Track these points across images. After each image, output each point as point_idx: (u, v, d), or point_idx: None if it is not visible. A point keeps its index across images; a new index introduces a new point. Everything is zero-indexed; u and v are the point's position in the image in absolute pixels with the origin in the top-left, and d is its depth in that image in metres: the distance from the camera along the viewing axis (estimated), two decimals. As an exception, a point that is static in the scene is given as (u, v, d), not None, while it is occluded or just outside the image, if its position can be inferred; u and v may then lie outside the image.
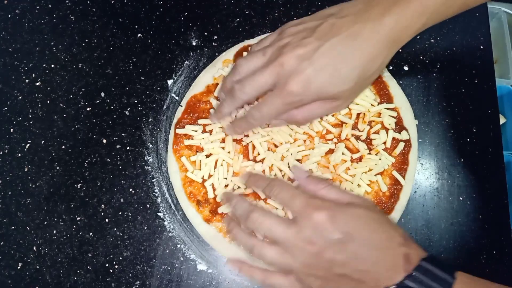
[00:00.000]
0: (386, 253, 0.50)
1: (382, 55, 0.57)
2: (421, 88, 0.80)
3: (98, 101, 0.78)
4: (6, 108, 0.77)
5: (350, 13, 0.57)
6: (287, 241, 0.52)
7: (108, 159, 0.74)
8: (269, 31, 0.82)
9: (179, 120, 0.75)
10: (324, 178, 0.70)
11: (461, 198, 0.74)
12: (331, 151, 0.72)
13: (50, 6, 0.84)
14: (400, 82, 0.79)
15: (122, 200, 0.72)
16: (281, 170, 0.71)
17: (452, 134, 0.77)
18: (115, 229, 0.70)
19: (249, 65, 0.60)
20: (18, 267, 0.69)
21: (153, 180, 0.74)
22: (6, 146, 0.75)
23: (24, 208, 0.71)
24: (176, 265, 0.69)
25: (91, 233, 0.70)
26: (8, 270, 0.68)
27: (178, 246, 0.70)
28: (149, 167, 0.74)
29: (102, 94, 0.78)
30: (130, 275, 0.68)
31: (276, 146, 0.73)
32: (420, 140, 0.76)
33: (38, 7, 0.83)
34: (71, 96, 0.78)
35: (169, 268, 0.69)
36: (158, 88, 0.79)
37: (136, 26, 0.82)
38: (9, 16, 0.83)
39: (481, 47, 0.82)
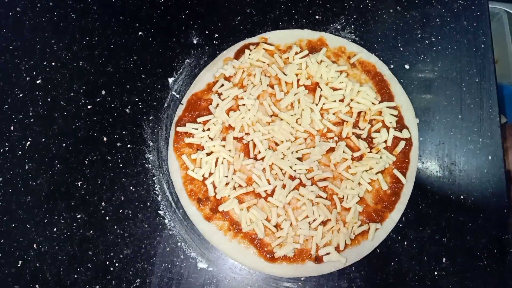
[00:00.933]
0: None
1: None
2: (422, 87, 0.80)
3: (98, 99, 0.77)
4: (6, 106, 0.77)
5: None
6: None
7: (108, 157, 0.74)
8: (270, 30, 0.82)
9: (180, 118, 0.75)
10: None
11: (462, 197, 0.73)
12: (332, 150, 0.72)
13: (51, 4, 0.83)
14: (401, 80, 0.79)
15: (122, 198, 0.72)
16: (281, 169, 0.71)
17: (453, 133, 0.77)
18: (115, 227, 0.70)
19: None
20: (19, 265, 0.68)
21: (154, 178, 0.73)
22: (6, 144, 0.74)
23: (24, 206, 0.71)
24: (177, 263, 0.69)
25: (91, 231, 0.70)
26: (8, 268, 0.68)
27: (179, 244, 0.70)
28: (150, 165, 0.74)
29: (103, 92, 0.78)
30: (131, 273, 0.68)
31: (277, 144, 0.73)
32: (421, 138, 0.76)
33: (39, 5, 0.83)
34: (71, 94, 0.78)
35: (169, 266, 0.69)
36: (159, 86, 0.79)
37: (137, 24, 0.82)
38: (10, 14, 0.82)
39: (482, 46, 0.82)
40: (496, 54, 0.84)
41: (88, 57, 0.80)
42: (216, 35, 0.82)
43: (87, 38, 0.81)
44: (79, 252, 0.69)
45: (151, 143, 0.75)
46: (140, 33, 0.82)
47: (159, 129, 0.76)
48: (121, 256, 0.69)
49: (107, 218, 0.71)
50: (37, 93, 0.77)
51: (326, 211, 0.69)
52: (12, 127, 0.75)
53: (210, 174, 0.71)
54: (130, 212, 0.71)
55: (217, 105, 0.74)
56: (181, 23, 0.83)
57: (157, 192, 0.73)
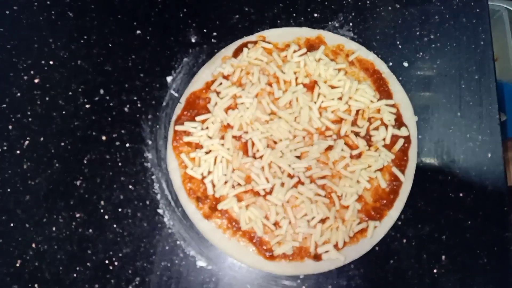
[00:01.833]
0: None
1: None
2: (421, 84, 0.79)
3: (97, 98, 0.77)
4: (4, 105, 0.77)
5: None
6: None
7: (107, 156, 0.74)
8: (268, 28, 0.82)
9: (179, 117, 0.75)
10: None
11: (461, 195, 0.73)
12: (330, 148, 0.72)
13: (48, 2, 0.83)
14: (400, 78, 0.79)
15: (121, 197, 0.72)
16: (280, 167, 0.71)
17: (452, 131, 0.77)
18: (114, 225, 0.70)
19: None
20: (17, 264, 0.68)
21: (153, 177, 0.73)
22: (5, 143, 0.74)
23: (23, 205, 0.71)
24: (176, 261, 0.69)
25: (90, 230, 0.70)
26: (7, 268, 0.68)
27: (178, 242, 0.70)
28: (149, 164, 0.74)
29: (101, 91, 0.78)
30: (130, 271, 0.68)
31: (275, 142, 0.73)
32: (419, 136, 0.76)
33: (36, 3, 0.83)
34: (70, 93, 0.77)
35: (168, 264, 0.69)
36: (157, 85, 0.78)
37: (135, 23, 0.82)
38: (7, 12, 0.82)
39: (482, 43, 0.82)
40: (496, 52, 0.84)
41: (86, 56, 0.80)
42: (214, 33, 0.82)
43: (85, 37, 0.81)
44: (78, 251, 0.69)
45: (150, 142, 0.75)
46: (138, 31, 0.81)
47: (157, 128, 0.76)
48: (120, 254, 0.69)
49: (106, 217, 0.71)
50: (35, 92, 0.77)
51: (324, 209, 0.69)
52: (10, 127, 0.75)
53: (209, 172, 0.71)
54: (129, 210, 0.71)
55: (216, 103, 0.74)
56: (179, 22, 0.82)
57: (156, 191, 0.73)
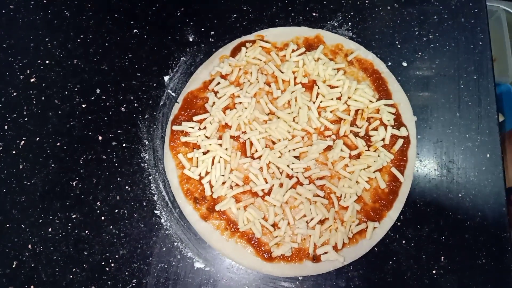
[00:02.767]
0: None
1: None
2: (419, 85, 0.79)
3: (93, 98, 0.77)
4: (0, 105, 0.76)
5: None
6: None
7: (104, 156, 0.73)
8: (266, 27, 0.81)
9: (176, 116, 0.74)
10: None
11: (460, 195, 0.73)
12: (329, 148, 0.72)
13: (44, 1, 0.82)
14: (399, 78, 0.78)
15: (118, 197, 0.71)
16: (278, 168, 0.70)
17: (451, 131, 0.77)
18: (111, 227, 0.70)
19: None
20: (13, 266, 0.68)
21: (150, 178, 0.73)
22: (0, 143, 0.74)
23: (19, 206, 0.70)
24: (173, 263, 0.68)
25: (86, 231, 0.69)
26: (3, 269, 0.67)
27: (175, 244, 0.69)
28: (146, 164, 0.73)
29: (98, 91, 0.77)
30: (127, 273, 0.68)
31: (274, 143, 0.72)
32: (419, 136, 0.76)
33: (32, 2, 0.82)
34: (66, 92, 0.77)
35: (166, 266, 0.68)
36: (155, 85, 0.78)
37: (132, 22, 0.81)
38: (3, 12, 0.81)
39: (480, 43, 0.82)
40: (494, 53, 0.84)
41: (83, 55, 0.79)
42: (212, 32, 0.81)
43: (82, 36, 0.80)
44: (75, 253, 0.68)
45: (147, 142, 0.75)
46: (135, 30, 0.81)
47: (154, 127, 0.75)
48: (117, 256, 0.68)
49: (102, 218, 0.70)
50: (31, 91, 0.76)
51: (323, 210, 0.68)
52: (6, 126, 0.74)
53: (207, 173, 0.70)
54: (125, 211, 0.71)
55: (213, 103, 0.74)
56: (176, 21, 0.82)
57: (153, 192, 0.72)
